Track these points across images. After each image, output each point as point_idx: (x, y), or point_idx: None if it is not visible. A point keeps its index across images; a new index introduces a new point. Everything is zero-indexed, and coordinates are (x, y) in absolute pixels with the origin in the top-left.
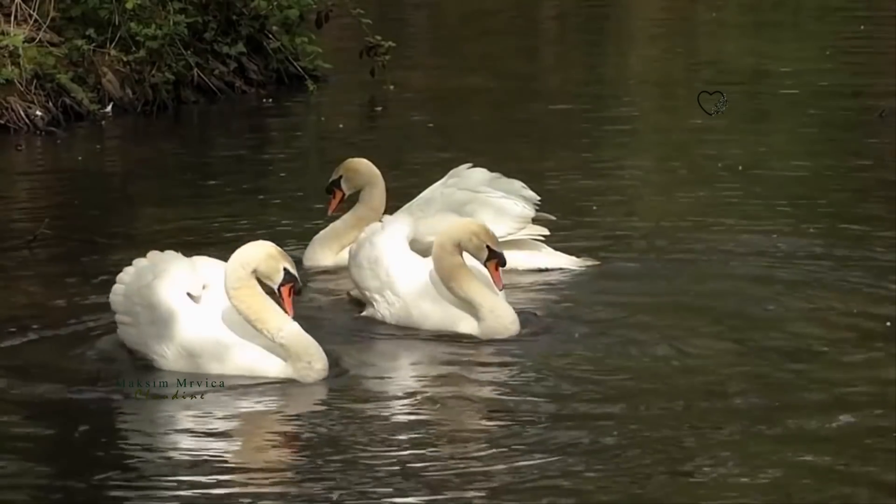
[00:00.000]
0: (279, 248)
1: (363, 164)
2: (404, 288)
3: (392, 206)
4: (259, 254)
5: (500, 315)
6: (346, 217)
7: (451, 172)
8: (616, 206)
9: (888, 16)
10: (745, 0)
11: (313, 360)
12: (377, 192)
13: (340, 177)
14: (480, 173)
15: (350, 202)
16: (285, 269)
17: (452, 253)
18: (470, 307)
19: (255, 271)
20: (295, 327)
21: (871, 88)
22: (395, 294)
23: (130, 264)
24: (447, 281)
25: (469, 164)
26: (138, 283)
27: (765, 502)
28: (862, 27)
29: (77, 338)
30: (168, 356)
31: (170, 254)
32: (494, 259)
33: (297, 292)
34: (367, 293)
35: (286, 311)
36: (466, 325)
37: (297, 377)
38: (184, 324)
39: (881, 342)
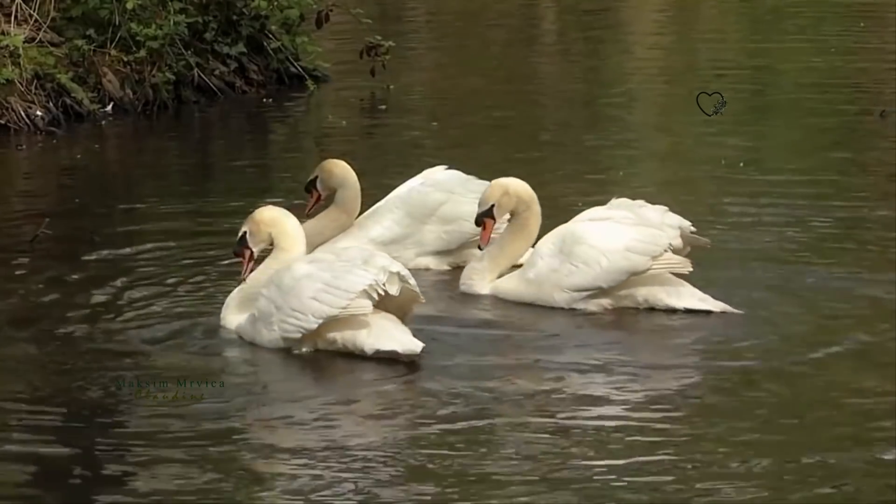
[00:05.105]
0: None
1: (337, 166)
2: None
3: None
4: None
5: None
6: (319, 217)
7: (425, 173)
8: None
9: (888, 14)
10: None
11: None
12: (350, 194)
13: (317, 177)
14: (454, 175)
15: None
16: None
17: None
18: None
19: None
20: None
21: (872, 87)
22: None
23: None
24: None
25: (444, 166)
26: None
27: None
28: (862, 24)
29: (77, 338)
30: None
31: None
32: None
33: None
34: None
35: None
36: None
37: None
38: None
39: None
